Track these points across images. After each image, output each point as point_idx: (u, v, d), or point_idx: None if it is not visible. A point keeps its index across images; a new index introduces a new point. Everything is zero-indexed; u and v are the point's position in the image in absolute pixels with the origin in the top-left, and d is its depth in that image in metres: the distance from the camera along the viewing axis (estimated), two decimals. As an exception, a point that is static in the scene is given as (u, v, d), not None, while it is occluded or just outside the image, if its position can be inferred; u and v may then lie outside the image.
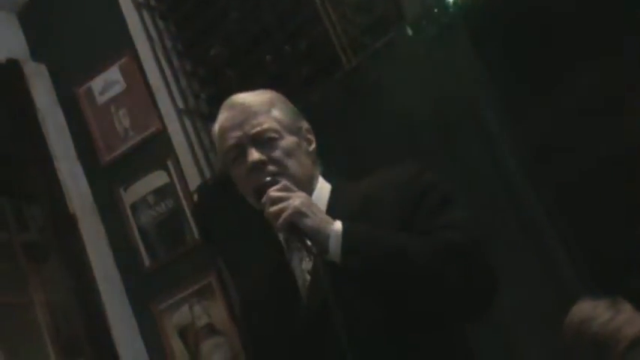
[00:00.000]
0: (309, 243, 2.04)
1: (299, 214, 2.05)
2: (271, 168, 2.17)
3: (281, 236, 2.22)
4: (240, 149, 2.21)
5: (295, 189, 2.12)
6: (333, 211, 2.19)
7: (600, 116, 3.52)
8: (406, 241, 2.05)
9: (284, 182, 2.12)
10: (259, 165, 2.17)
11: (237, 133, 2.21)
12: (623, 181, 3.47)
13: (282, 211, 2.05)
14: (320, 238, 2.04)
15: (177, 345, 4.39)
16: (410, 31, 3.79)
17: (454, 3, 3.72)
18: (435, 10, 3.75)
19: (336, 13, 4.09)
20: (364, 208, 2.16)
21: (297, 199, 2.07)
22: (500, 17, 3.61)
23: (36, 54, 4.82)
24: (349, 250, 2.04)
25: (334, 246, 2.04)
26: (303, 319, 2.12)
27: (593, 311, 2.88)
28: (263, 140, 2.20)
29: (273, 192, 2.09)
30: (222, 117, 2.26)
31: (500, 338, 3.46)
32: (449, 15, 3.70)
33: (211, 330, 4.33)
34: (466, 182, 3.56)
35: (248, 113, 2.22)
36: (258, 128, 2.20)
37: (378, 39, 3.91)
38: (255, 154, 2.18)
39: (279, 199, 2.07)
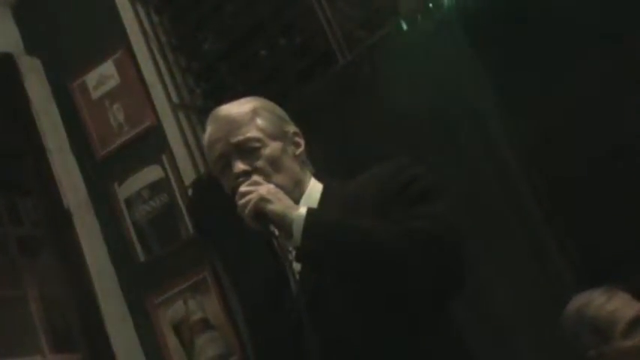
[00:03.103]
0: (272, 229, 2.09)
1: (264, 200, 2.11)
2: (256, 178, 2.19)
3: (274, 241, 2.23)
4: (225, 160, 2.26)
5: (264, 182, 2.16)
6: (323, 210, 2.22)
7: (598, 112, 3.52)
8: (370, 226, 2.08)
9: (254, 178, 2.17)
10: (243, 175, 2.20)
11: (222, 145, 2.26)
12: (621, 177, 3.47)
13: (248, 202, 2.11)
14: (285, 222, 2.09)
15: (171, 339, 4.39)
16: (405, 26, 3.79)
17: (449, -3, 3.73)
18: (430, 5, 3.75)
19: (331, 8, 4.08)
20: (352, 206, 2.18)
21: (263, 188, 2.13)
22: (495, 11, 3.60)
23: (30, 48, 4.80)
24: (309, 232, 2.07)
25: (297, 230, 2.07)
26: (292, 319, 2.14)
27: (588, 298, 2.90)
28: (246, 150, 2.24)
29: (242, 187, 2.14)
30: (208, 130, 2.32)
31: (493, 334, 3.47)
32: (444, 9, 3.70)
33: (206, 324, 4.33)
34: (462, 177, 3.57)
35: (231, 124, 2.27)
36: (241, 137, 2.25)
37: (373, 33, 3.92)
38: (239, 165, 2.23)
39: (247, 193, 2.13)
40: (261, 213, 2.10)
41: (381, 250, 2.04)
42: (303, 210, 2.11)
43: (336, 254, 2.07)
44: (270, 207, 2.10)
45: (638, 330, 2.83)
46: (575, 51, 3.52)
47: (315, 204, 2.25)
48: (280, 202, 2.12)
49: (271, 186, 2.16)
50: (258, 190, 2.12)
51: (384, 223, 2.08)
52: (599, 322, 2.84)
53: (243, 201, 2.12)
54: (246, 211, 2.11)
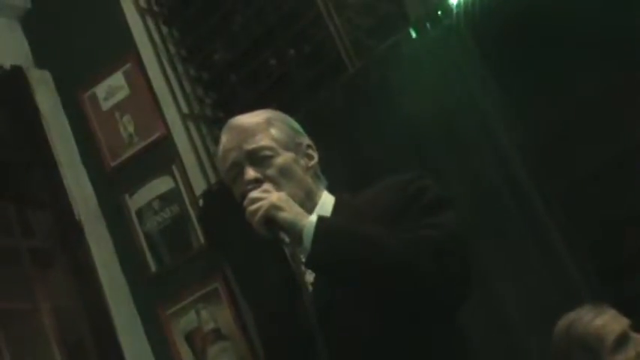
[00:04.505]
0: (282, 236, 2.09)
1: (275, 208, 2.10)
2: (266, 186, 2.19)
3: (287, 251, 2.23)
4: (238, 169, 2.26)
5: (274, 190, 2.16)
6: (334, 218, 2.22)
7: (602, 114, 3.52)
8: (380, 234, 2.08)
9: (265, 186, 2.17)
10: (254, 183, 2.20)
11: (235, 153, 2.26)
12: (626, 178, 3.47)
13: (260, 208, 2.10)
14: (295, 229, 2.09)
15: (183, 350, 4.39)
16: (413, 33, 3.79)
17: (457, 5, 3.72)
18: (439, 12, 3.75)
19: (339, 16, 4.09)
20: (364, 218, 2.18)
21: (274, 195, 2.13)
22: (502, 18, 3.61)
23: (40, 60, 4.82)
24: (320, 238, 2.06)
25: (307, 237, 2.07)
26: (304, 329, 2.14)
27: (576, 316, 2.90)
28: (259, 158, 2.25)
29: (253, 193, 2.14)
30: (222, 139, 2.32)
31: (504, 338, 3.47)
32: (452, 17, 3.70)
33: (218, 335, 4.33)
34: (471, 181, 3.57)
35: (245, 133, 2.27)
36: (254, 145, 2.25)
37: (382, 41, 3.91)
38: (250, 173, 2.23)
39: (258, 199, 2.12)
40: (271, 220, 2.10)
41: (390, 257, 2.04)
42: (313, 217, 2.11)
43: (346, 261, 2.07)
44: (281, 214, 2.09)
45: (627, 345, 2.83)
46: (579, 55, 3.53)
47: (327, 215, 2.26)
48: (291, 210, 2.12)
49: (282, 193, 2.15)
50: (270, 197, 2.12)
51: (394, 232, 2.08)
52: (589, 339, 2.84)
53: (253, 207, 2.11)
54: (257, 217, 2.10)
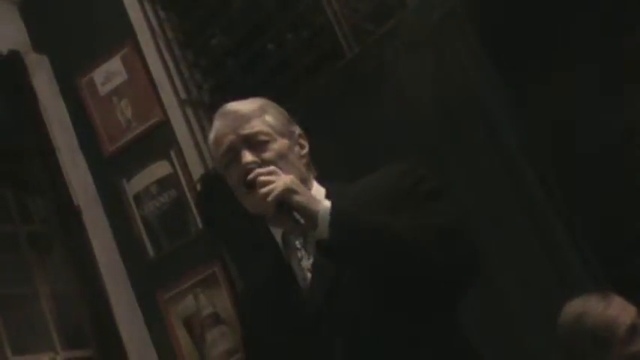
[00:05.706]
0: (297, 217, 2.06)
1: (289, 190, 2.07)
2: (273, 167, 2.18)
3: (278, 237, 2.23)
4: (233, 153, 2.24)
5: (281, 172, 2.14)
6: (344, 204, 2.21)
7: (601, 98, 3.52)
8: (390, 220, 2.08)
9: (271, 167, 2.15)
10: (252, 166, 2.19)
11: (231, 137, 2.25)
12: (624, 161, 3.48)
13: (272, 190, 2.08)
14: (309, 214, 2.07)
15: (182, 334, 4.40)
16: (412, 18, 3.78)
17: (456, -11, 3.72)
18: (437, -4, 3.75)
19: (337, 1, 4.09)
20: (360, 206, 2.18)
21: (286, 178, 2.11)
22: (501, 3, 3.61)
23: (37, 45, 4.81)
24: (336, 224, 2.05)
25: (322, 221, 2.06)
26: (306, 316, 2.14)
27: (584, 306, 2.88)
28: (255, 142, 2.24)
29: (262, 175, 2.12)
30: (216, 125, 2.30)
31: (503, 328, 3.47)
32: (451, 1, 3.70)
33: (216, 319, 4.34)
34: (468, 167, 3.57)
35: (241, 119, 2.26)
36: (250, 130, 2.24)
37: (380, 26, 3.91)
38: (248, 156, 2.21)
39: (269, 182, 2.10)
40: (283, 202, 2.07)
41: (403, 242, 2.04)
42: (327, 202, 2.09)
43: (362, 245, 2.06)
44: (297, 197, 2.07)
45: (637, 335, 2.82)
46: (579, 39, 3.53)
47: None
48: (305, 193, 2.10)
49: (292, 176, 2.13)
50: (282, 179, 2.10)
51: (399, 219, 2.09)
52: (599, 330, 2.82)
53: (265, 190, 2.08)
54: (270, 197, 2.07)
